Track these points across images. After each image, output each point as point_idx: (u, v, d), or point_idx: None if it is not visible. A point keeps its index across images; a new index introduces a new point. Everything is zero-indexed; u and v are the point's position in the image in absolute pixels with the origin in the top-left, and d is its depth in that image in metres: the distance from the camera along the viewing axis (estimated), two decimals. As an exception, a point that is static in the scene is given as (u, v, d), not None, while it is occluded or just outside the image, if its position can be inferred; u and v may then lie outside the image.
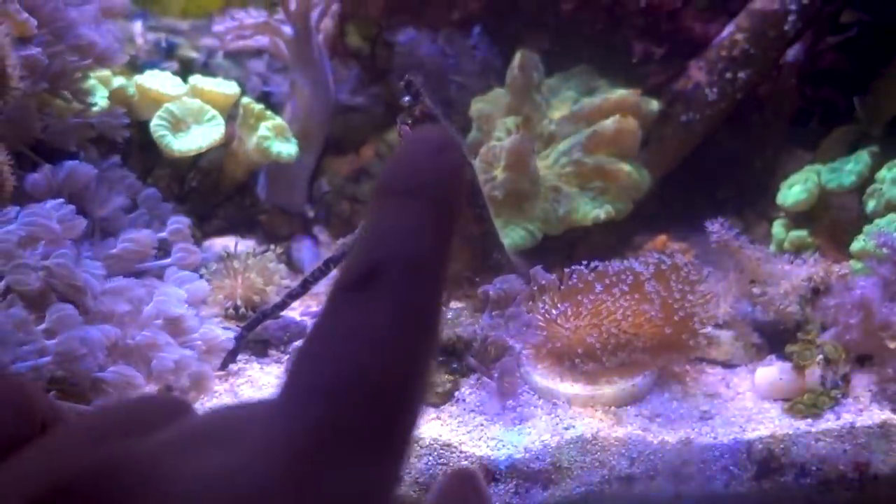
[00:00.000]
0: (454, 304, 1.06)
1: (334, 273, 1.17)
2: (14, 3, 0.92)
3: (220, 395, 0.97)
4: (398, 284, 0.22)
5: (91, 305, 0.84)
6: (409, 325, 0.22)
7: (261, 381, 1.01)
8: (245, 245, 1.15)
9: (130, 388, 0.82)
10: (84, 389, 0.82)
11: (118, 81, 1.19)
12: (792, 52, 1.27)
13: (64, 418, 0.27)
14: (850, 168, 1.15)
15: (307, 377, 0.22)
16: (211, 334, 0.96)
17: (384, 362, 0.22)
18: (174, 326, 0.95)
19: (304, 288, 0.87)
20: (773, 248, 1.19)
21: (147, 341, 0.85)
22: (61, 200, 0.95)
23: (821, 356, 0.98)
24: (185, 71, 1.29)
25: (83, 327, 0.80)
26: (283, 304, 0.89)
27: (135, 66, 1.30)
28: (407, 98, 0.99)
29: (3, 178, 0.92)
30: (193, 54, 1.35)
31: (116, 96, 1.16)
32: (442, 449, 0.88)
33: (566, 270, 1.02)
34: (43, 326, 0.83)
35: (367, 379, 0.21)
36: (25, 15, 0.98)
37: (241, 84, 1.26)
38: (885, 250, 0.98)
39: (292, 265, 1.21)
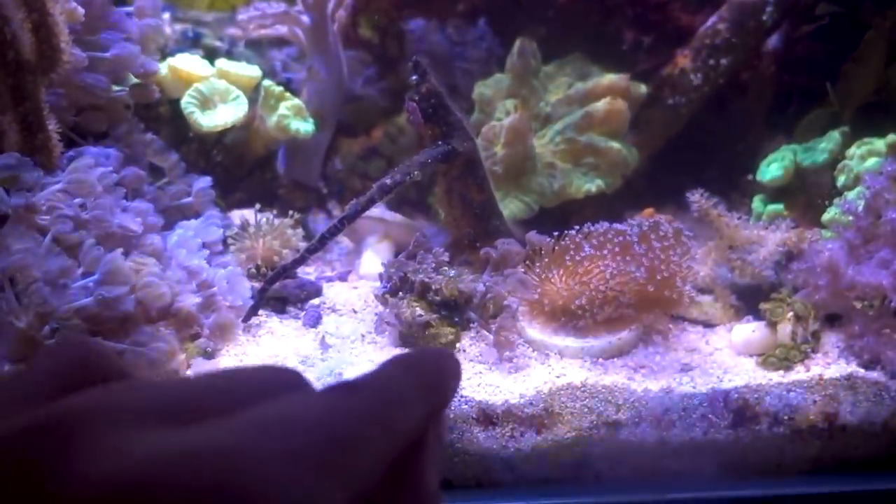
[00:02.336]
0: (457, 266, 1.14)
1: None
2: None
3: (243, 344, 1.06)
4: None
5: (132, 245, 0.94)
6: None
7: (280, 332, 1.09)
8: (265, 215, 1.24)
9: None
10: (124, 326, 0.91)
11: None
12: (771, 41, 1.35)
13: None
14: (823, 147, 1.21)
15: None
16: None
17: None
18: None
19: (321, 243, 0.96)
20: (751, 221, 1.25)
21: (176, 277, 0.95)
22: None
23: (791, 313, 1.03)
24: (209, 58, 1.36)
25: (116, 263, 0.89)
26: (302, 259, 0.98)
27: (163, 54, 1.40)
28: (414, 77, 1.08)
29: (52, 145, 1.02)
30: (217, 43, 1.44)
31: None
32: (444, 393, 0.97)
33: (557, 233, 1.09)
34: (81, 270, 0.92)
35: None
36: (74, 3, 1.08)
37: (262, 69, 1.34)
38: (850, 217, 1.04)
39: (308, 235, 1.29)
